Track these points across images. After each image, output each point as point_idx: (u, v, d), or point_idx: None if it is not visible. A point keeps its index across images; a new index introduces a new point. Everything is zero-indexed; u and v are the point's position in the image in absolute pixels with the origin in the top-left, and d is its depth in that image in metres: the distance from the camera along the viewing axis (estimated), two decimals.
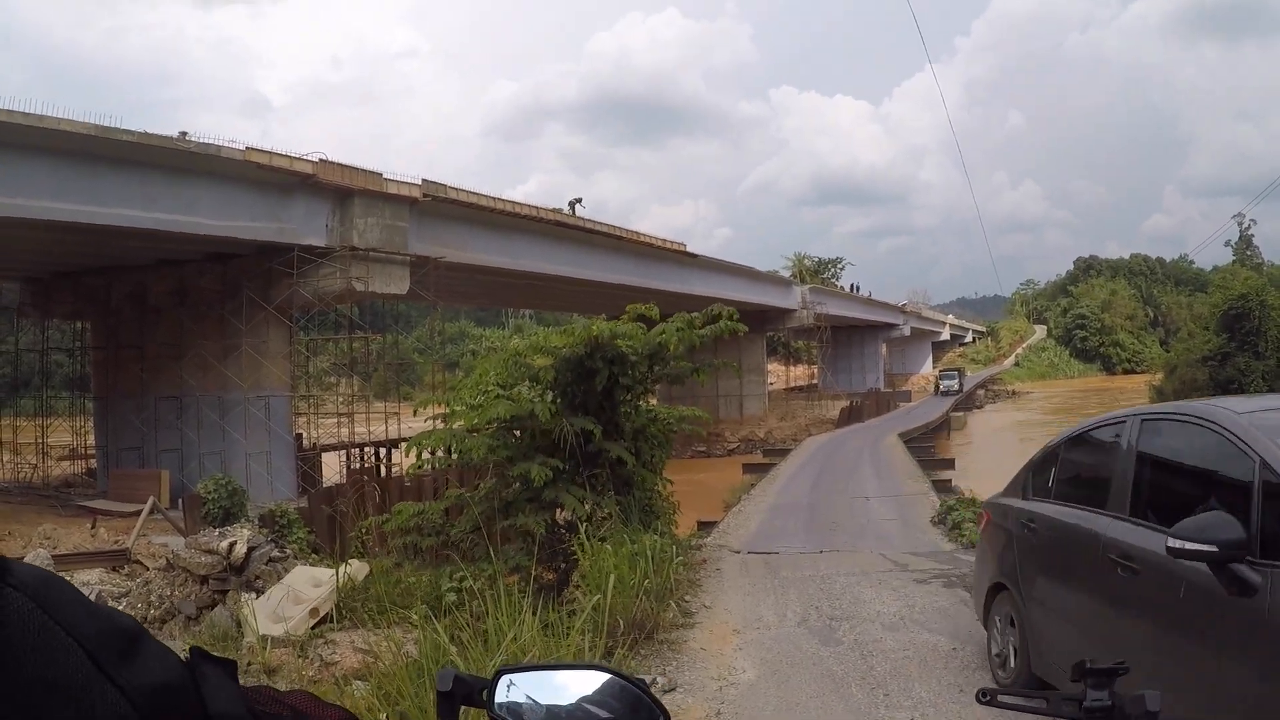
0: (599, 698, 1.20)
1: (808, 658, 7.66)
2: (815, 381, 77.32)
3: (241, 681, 0.88)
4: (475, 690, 1.16)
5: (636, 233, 39.19)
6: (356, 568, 9.85)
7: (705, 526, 19.01)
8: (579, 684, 1.21)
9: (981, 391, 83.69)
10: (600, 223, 37.03)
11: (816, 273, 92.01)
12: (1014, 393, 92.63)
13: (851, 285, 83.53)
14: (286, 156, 26.52)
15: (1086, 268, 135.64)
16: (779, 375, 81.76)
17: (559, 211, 36.05)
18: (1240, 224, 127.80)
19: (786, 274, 71.13)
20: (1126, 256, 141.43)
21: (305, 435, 32.26)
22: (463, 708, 1.16)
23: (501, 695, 1.17)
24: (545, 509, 11.34)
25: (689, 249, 42.48)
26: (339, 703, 1.11)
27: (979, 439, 52.84)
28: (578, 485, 11.38)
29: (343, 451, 32.21)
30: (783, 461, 33.55)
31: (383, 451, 32.31)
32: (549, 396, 12.16)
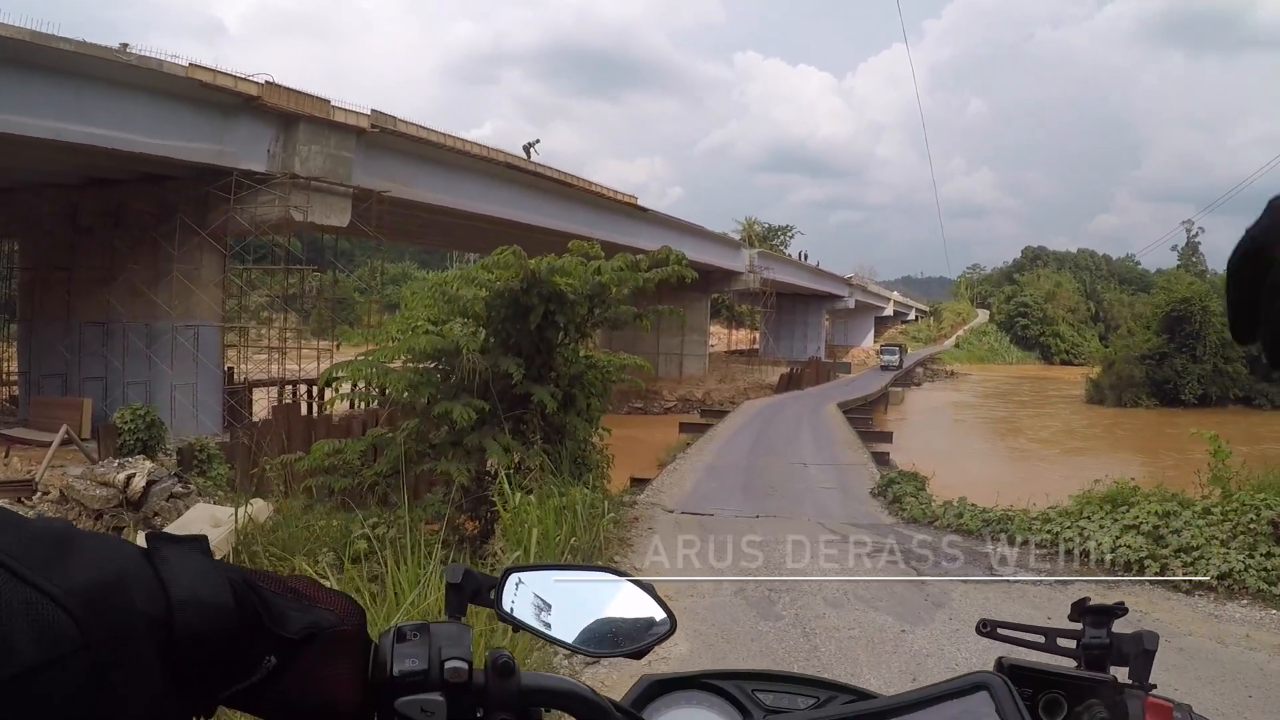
0: (607, 600, 1.20)
1: (745, 632, 7.13)
2: (756, 347, 77.29)
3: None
4: (484, 588, 1.10)
5: (588, 181, 38.29)
6: (259, 508, 9.15)
7: (639, 484, 18.47)
8: (587, 586, 1.23)
9: (920, 369, 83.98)
10: (551, 168, 36.09)
11: (766, 239, 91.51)
12: (952, 373, 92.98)
13: (800, 253, 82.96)
14: (231, 76, 25.42)
15: (1034, 257, 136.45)
16: (721, 338, 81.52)
17: (513, 155, 35.13)
18: (1189, 230, 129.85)
19: (736, 237, 70.37)
20: (1074, 250, 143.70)
21: (235, 370, 31.36)
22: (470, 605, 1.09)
23: (509, 594, 1.14)
24: (471, 455, 10.72)
25: (640, 203, 41.70)
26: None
27: (915, 415, 52.66)
28: (506, 432, 10.77)
29: (274, 388, 31.19)
30: (720, 423, 33.04)
31: (314, 390, 31.20)
32: (481, 334, 11.52)
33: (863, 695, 1.27)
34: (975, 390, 76.27)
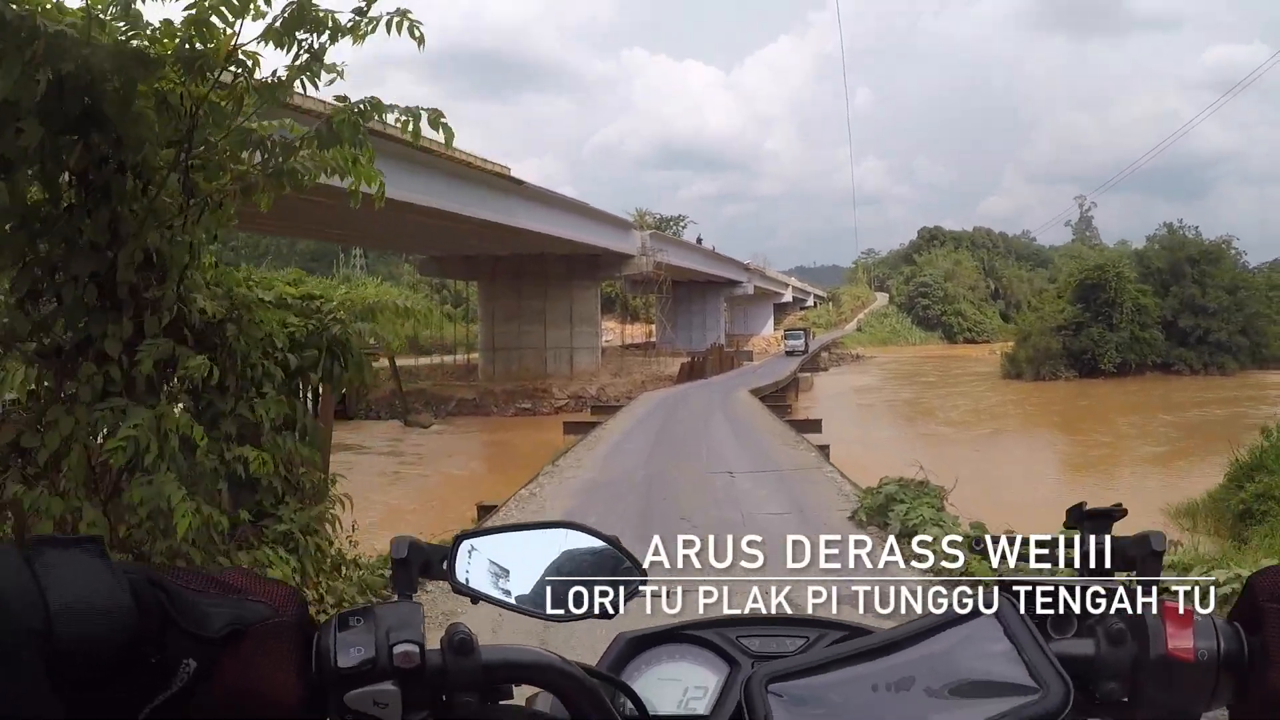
0: (571, 557, 1.15)
1: None
2: (653, 340, 73.84)
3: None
4: (435, 559, 1.07)
5: (453, 149, 32.76)
6: None
7: (486, 513, 13.72)
8: (547, 544, 1.15)
9: (825, 354, 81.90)
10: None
11: (660, 229, 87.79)
12: (858, 356, 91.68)
13: (696, 238, 78.87)
14: None
15: (930, 238, 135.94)
16: (615, 333, 79.12)
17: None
18: (1081, 206, 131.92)
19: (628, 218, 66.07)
20: (969, 230, 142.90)
21: None
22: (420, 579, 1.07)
23: (463, 564, 1.09)
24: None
25: (511, 171, 36.43)
26: None
27: (827, 400, 49.58)
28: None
29: None
30: (610, 419, 27.99)
31: None
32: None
33: (855, 630, 1.23)
34: (885, 373, 74.49)
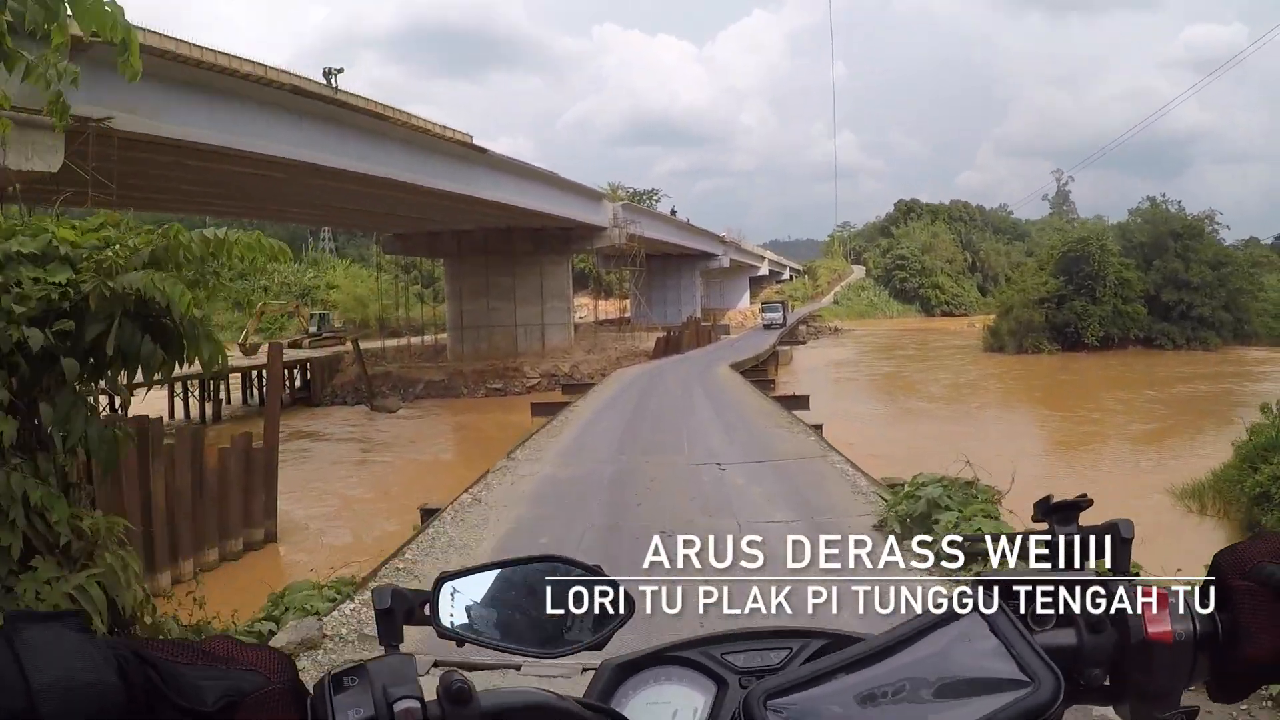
0: (555, 592, 1.14)
1: None
2: (628, 315, 72.83)
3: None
4: (416, 605, 1.06)
5: (408, 114, 30.97)
6: None
7: (429, 516, 12.15)
8: (530, 579, 1.16)
9: (803, 327, 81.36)
10: (358, 96, 28.75)
11: (632, 202, 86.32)
12: (836, 330, 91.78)
13: (670, 210, 77.25)
14: None
15: (907, 210, 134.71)
16: (589, 309, 77.50)
17: (303, 78, 27.72)
18: (1059, 180, 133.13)
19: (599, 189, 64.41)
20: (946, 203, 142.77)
21: None
22: (405, 626, 1.04)
23: (445, 607, 1.09)
24: None
25: (476, 142, 34.59)
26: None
27: (809, 375, 49.14)
28: None
29: None
30: (580, 400, 26.27)
31: None
32: None
33: (836, 636, 1.25)
34: (864, 346, 74.34)
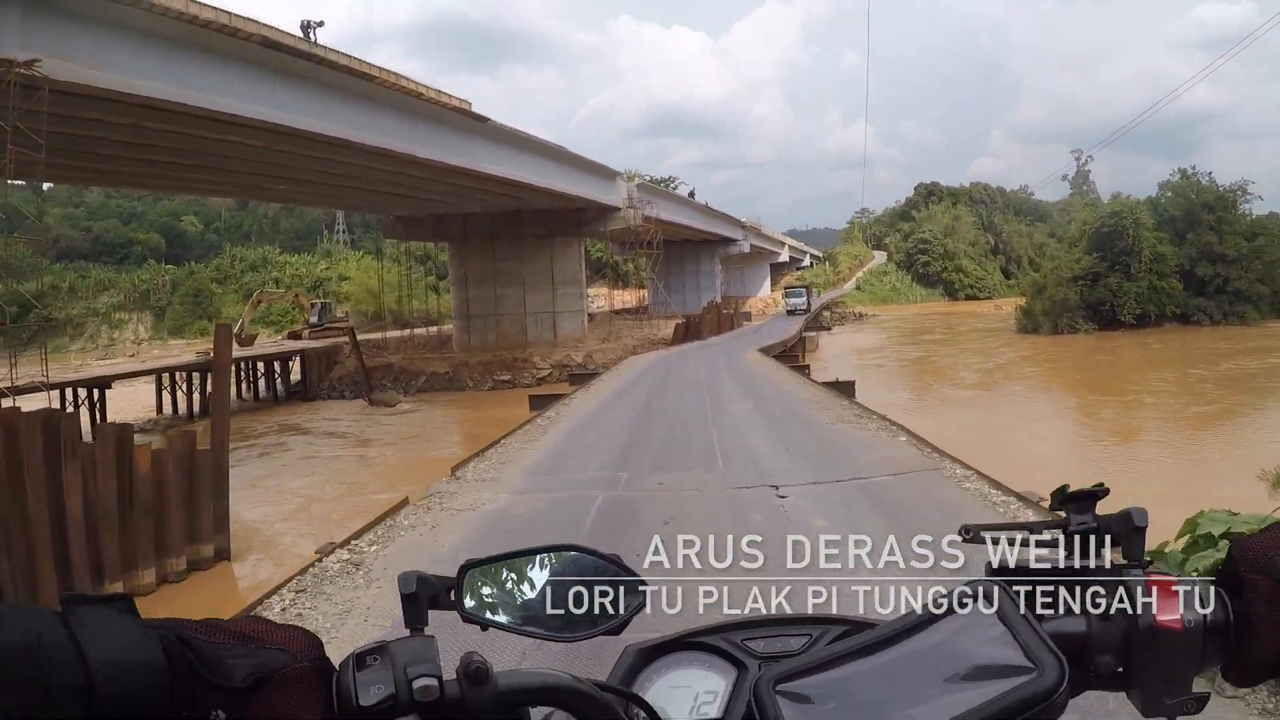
0: (574, 579, 1.18)
1: None
2: (645, 305, 70.71)
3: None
4: (441, 590, 1.09)
5: (396, 74, 27.94)
6: None
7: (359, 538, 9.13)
8: (549, 567, 1.19)
9: (827, 313, 79.76)
10: (340, 53, 25.68)
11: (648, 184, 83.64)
12: (860, 315, 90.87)
13: (689, 192, 74.07)
14: None
15: (928, 194, 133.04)
16: (605, 299, 74.41)
17: (278, 30, 24.66)
18: (1079, 160, 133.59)
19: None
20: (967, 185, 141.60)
21: None
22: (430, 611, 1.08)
23: (469, 592, 1.12)
24: None
25: (475, 109, 31.48)
26: None
27: (838, 360, 46.37)
28: None
29: None
30: (579, 391, 22.89)
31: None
32: None
33: (855, 624, 1.25)
34: (890, 331, 72.24)
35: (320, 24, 25.95)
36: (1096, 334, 58.21)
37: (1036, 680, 0.94)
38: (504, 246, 45.63)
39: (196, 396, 38.47)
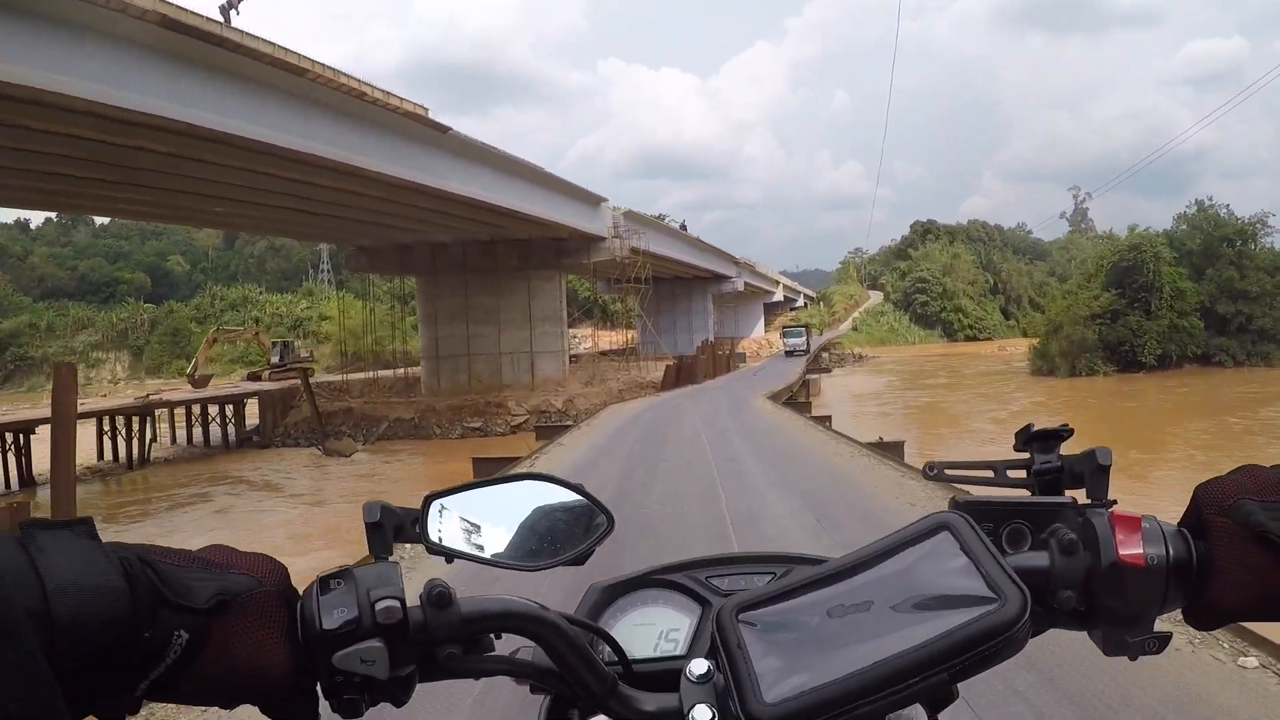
0: (539, 508, 1.17)
1: None
2: (633, 346, 65.47)
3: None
4: (406, 521, 1.07)
5: (335, 70, 23.72)
6: None
7: None
8: (515, 498, 1.18)
9: (825, 355, 77.17)
10: (267, 41, 21.52)
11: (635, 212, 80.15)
12: (860, 357, 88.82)
13: (680, 224, 70.17)
14: None
15: (924, 231, 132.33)
16: (590, 339, 73.98)
17: (191, 12, 20.46)
18: (1077, 197, 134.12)
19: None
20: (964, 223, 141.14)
21: None
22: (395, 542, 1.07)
23: (434, 523, 1.10)
24: None
25: (435, 118, 27.16)
26: None
27: (843, 406, 42.48)
28: None
29: None
30: (537, 454, 18.21)
31: None
32: None
33: (820, 562, 1.20)
34: (892, 374, 68.94)
35: (238, 2, 21.75)
36: (1115, 376, 54.87)
37: (999, 610, 0.91)
38: (477, 280, 41.57)
39: (136, 443, 35.14)
